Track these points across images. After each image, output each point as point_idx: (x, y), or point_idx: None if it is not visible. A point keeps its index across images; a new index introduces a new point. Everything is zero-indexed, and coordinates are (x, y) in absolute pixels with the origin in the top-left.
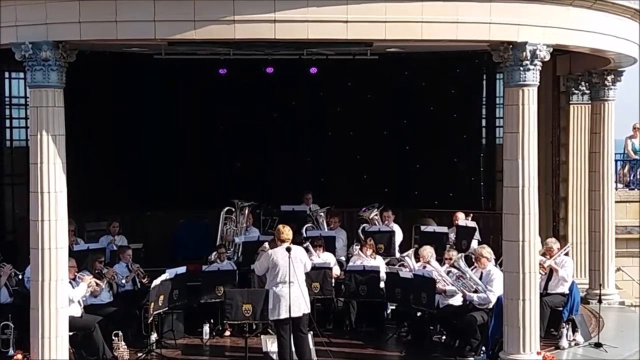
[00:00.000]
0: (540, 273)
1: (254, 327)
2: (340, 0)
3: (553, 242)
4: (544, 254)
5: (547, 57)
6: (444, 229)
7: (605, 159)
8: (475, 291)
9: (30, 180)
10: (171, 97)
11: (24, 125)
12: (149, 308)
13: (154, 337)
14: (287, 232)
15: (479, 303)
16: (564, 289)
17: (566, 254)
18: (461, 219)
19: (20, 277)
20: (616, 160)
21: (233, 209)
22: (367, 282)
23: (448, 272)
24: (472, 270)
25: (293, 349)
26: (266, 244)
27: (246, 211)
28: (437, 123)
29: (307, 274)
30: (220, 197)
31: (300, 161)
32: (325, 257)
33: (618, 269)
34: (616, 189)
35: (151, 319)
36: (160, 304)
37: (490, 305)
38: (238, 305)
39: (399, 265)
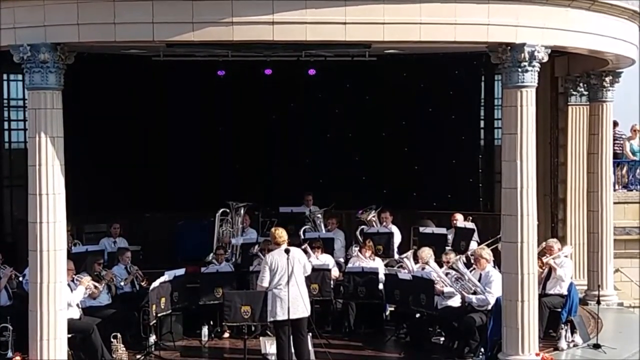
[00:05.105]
0: (538, 269)
1: (253, 329)
2: (339, 2)
3: (554, 242)
4: (544, 253)
5: (546, 59)
6: (443, 231)
7: (604, 160)
8: (474, 293)
9: (28, 182)
10: (170, 99)
11: (23, 127)
12: (151, 310)
13: (152, 339)
14: (280, 233)
15: (477, 304)
16: (563, 289)
17: (566, 256)
18: (460, 220)
19: (21, 279)
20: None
21: (228, 211)
22: (366, 284)
23: (447, 274)
24: (470, 271)
25: (292, 350)
26: (256, 247)
27: (242, 212)
28: (435, 124)
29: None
30: (220, 198)
31: (299, 162)
32: (323, 259)
33: (617, 270)
34: (614, 190)
35: (153, 321)
36: (162, 307)
37: (489, 307)
38: (237, 307)
39: (398, 267)
